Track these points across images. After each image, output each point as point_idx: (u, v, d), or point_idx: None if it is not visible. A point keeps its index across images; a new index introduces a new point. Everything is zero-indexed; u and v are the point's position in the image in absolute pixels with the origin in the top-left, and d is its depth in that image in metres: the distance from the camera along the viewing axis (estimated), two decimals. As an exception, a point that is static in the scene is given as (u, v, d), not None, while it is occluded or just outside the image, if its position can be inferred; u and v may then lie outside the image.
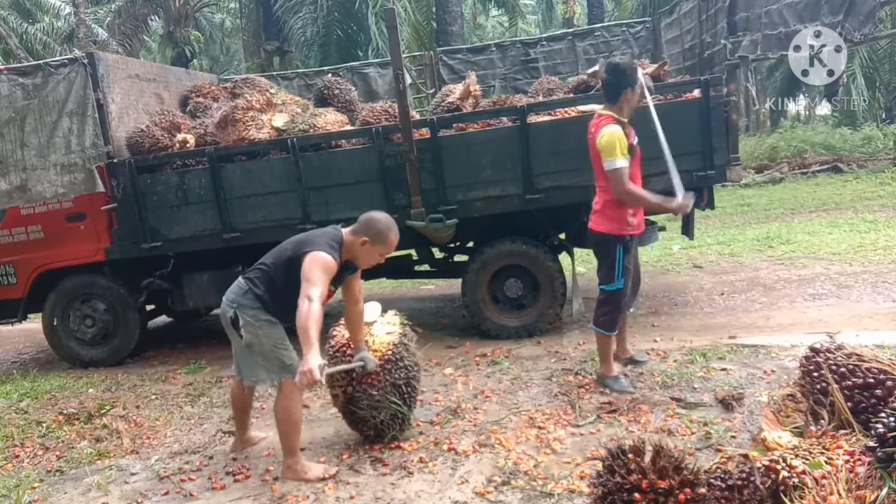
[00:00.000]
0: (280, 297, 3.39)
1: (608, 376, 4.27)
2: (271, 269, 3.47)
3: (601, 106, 5.23)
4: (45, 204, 5.84)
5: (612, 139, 3.87)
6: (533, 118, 5.32)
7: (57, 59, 6.00)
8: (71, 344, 6.11)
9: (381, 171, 5.38)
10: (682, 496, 2.31)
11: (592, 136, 4.04)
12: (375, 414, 3.59)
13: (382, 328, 3.84)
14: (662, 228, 6.02)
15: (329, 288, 3.39)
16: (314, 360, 2.97)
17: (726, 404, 3.80)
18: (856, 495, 2.05)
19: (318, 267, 3.17)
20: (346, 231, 3.44)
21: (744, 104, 8.35)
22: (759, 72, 19.84)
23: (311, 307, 3.02)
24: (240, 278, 3.55)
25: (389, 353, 3.67)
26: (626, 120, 4.00)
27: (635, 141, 4.03)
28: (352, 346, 3.68)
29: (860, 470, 2.14)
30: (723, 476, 2.39)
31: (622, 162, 3.89)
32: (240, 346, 3.51)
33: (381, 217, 3.44)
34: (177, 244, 5.75)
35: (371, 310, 3.90)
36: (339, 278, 3.44)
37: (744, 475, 2.32)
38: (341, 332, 3.79)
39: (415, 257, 6.33)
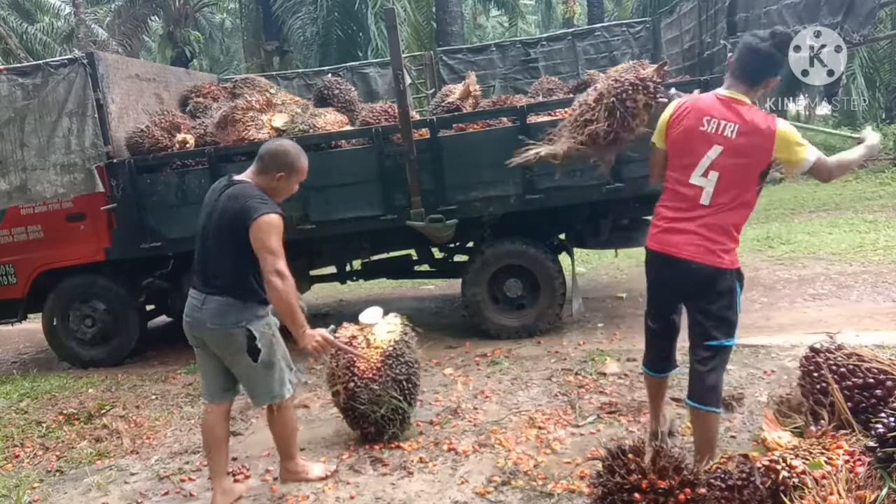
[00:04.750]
0: (246, 276, 3.02)
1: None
2: (224, 261, 3.05)
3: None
4: (45, 204, 5.82)
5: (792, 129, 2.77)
6: (533, 118, 5.32)
7: (57, 59, 6.00)
8: (71, 344, 6.10)
9: (381, 172, 5.37)
10: (682, 496, 2.31)
11: (742, 134, 2.74)
12: (376, 409, 3.60)
13: (384, 328, 3.88)
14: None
15: None
16: (315, 331, 2.99)
17: (726, 404, 3.78)
18: (856, 495, 2.05)
19: (275, 233, 2.90)
20: (251, 176, 3.09)
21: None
22: (758, 72, 19.76)
23: (286, 284, 2.87)
24: (216, 297, 3.02)
25: (390, 348, 3.72)
26: None
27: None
28: (351, 342, 3.72)
29: (860, 470, 2.15)
30: (723, 476, 2.40)
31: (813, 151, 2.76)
32: (250, 370, 3.08)
33: (287, 147, 3.14)
34: (177, 244, 5.73)
35: (372, 313, 3.92)
36: None
37: (744, 475, 2.33)
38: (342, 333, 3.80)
39: (415, 257, 6.34)
